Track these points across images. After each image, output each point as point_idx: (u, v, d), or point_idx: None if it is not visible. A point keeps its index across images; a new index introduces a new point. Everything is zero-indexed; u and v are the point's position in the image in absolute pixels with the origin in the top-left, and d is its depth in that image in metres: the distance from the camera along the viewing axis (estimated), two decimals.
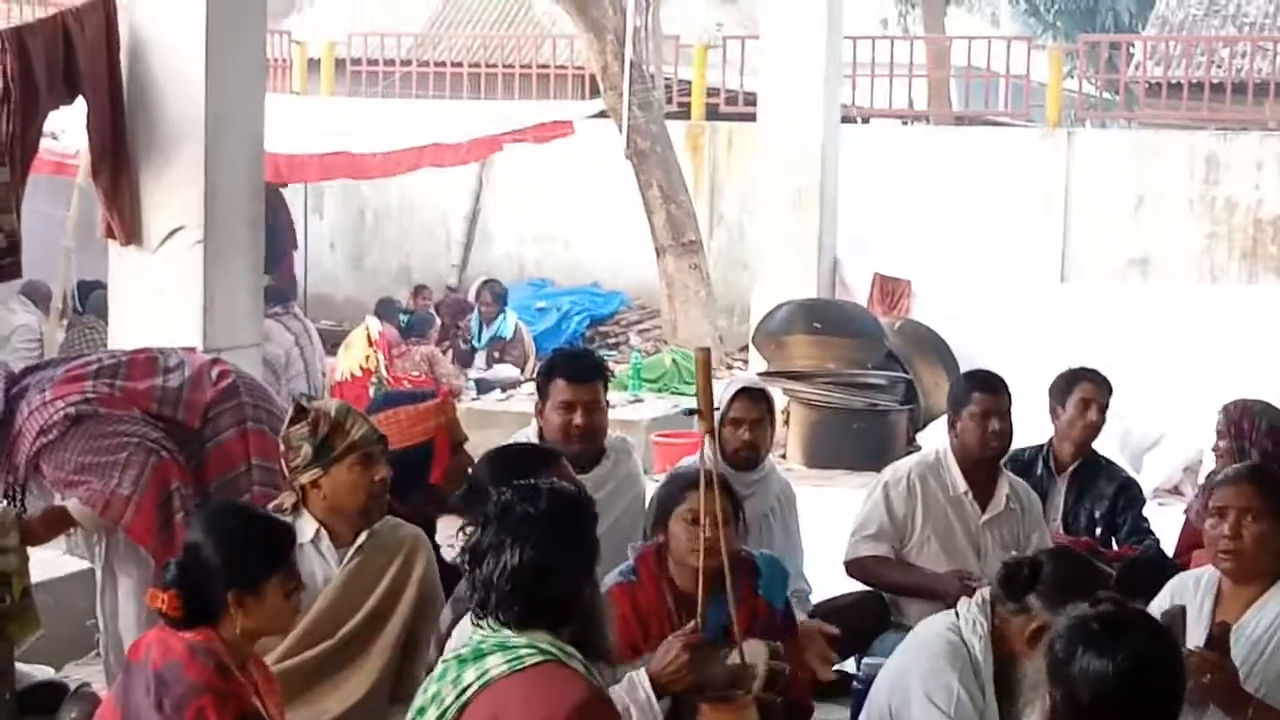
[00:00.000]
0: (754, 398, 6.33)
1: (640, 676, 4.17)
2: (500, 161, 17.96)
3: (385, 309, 15.47)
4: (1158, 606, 4.79)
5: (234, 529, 3.94)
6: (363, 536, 4.79)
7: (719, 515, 4.82)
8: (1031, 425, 7.03)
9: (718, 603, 4.92)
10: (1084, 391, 7.12)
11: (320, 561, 4.76)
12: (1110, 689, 2.98)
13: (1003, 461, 6.55)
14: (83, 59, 7.03)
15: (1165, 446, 11.88)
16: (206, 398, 5.74)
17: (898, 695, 4.46)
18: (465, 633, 3.84)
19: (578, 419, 5.87)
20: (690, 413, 4.78)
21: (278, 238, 15.86)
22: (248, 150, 7.51)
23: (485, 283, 16.34)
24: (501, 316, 15.86)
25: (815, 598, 6.41)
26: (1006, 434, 6.33)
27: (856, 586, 6.53)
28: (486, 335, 15.82)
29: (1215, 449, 6.88)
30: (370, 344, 14.10)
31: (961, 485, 6.32)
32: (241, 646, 3.82)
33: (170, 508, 5.42)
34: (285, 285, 15.70)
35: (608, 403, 6.13)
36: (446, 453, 5.29)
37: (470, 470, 5.10)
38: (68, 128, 10.98)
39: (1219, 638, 4.54)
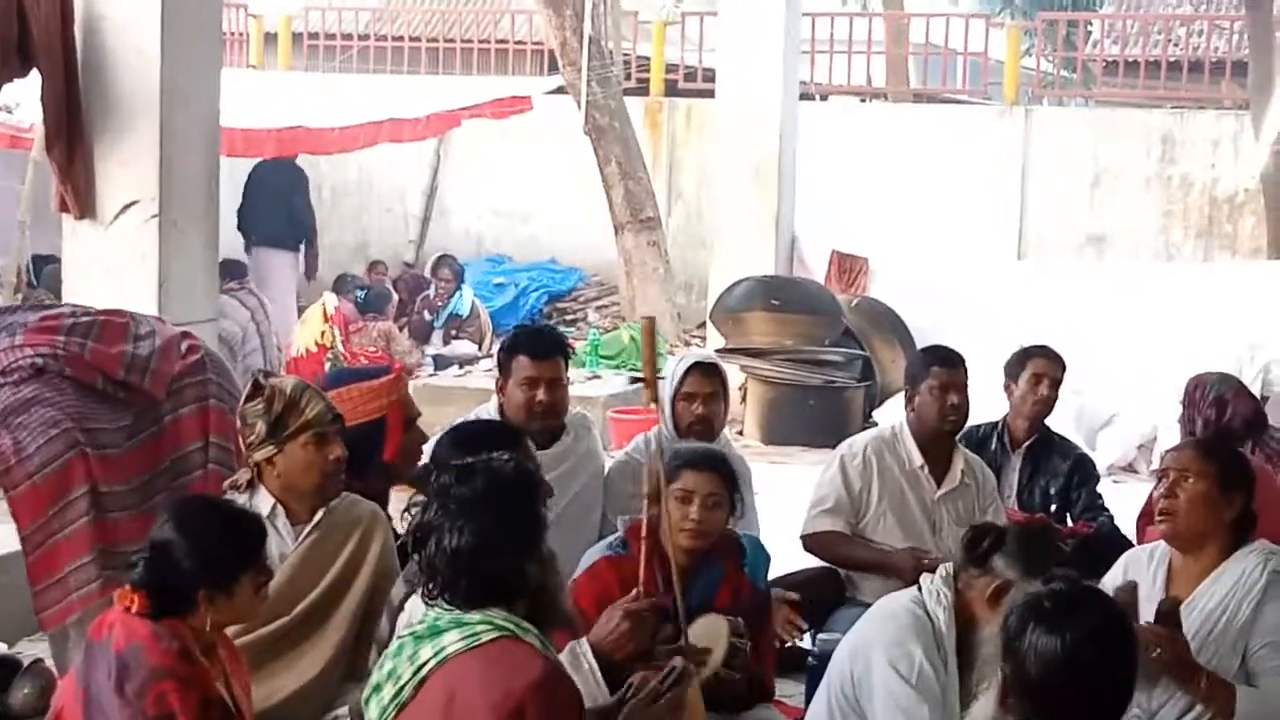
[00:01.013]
0: (706, 372, 6.34)
1: (582, 646, 4.16)
2: (458, 137, 17.90)
3: (342, 285, 15.43)
4: (1111, 581, 4.82)
5: (206, 528, 3.89)
6: (320, 514, 4.78)
7: (709, 496, 4.85)
8: (987, 402, 7.07)
9: (703, 578, 4.95)
10: (1036, 367, 7.19)
11: (276, 539, 4.75)
12: (1058, 666, 3.00)
13: (958, 438, 6.59)
14: (37, 32, 6.97)
15: (1120, 423, 11.95)
16: (174, 369, 5.71)
17: (860, 664, 4.47)
18: (419, 609, 3.83)
19: (541, 395, 5.87)
20: (635, 381, 4.77)
21: (306, 220, 15.86)
22: (203, 125, 7.47)
23: (441, 259, 16.31)
24: (458, 294, 15.83)
25: (771, 573, 6.42)
26: (963, 408, 6.36)
27: (812, 563, 6.56)
28: (444, 313, 15.80)
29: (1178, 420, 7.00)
30: (326, 319, 14.05)
31: (917, 460, 6.35)
32: (208, 635, 3.80)
33: (65, 513, 5.35)
34: (311, 266, 15.73)
35: (569, 379, 6.13)
36: (399, 430, 5.27)
37: (426, 445, 5.10)
38: (22, 101, 10.91)
39: (1169, 612, 4.57)
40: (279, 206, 15.48)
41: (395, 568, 4.74)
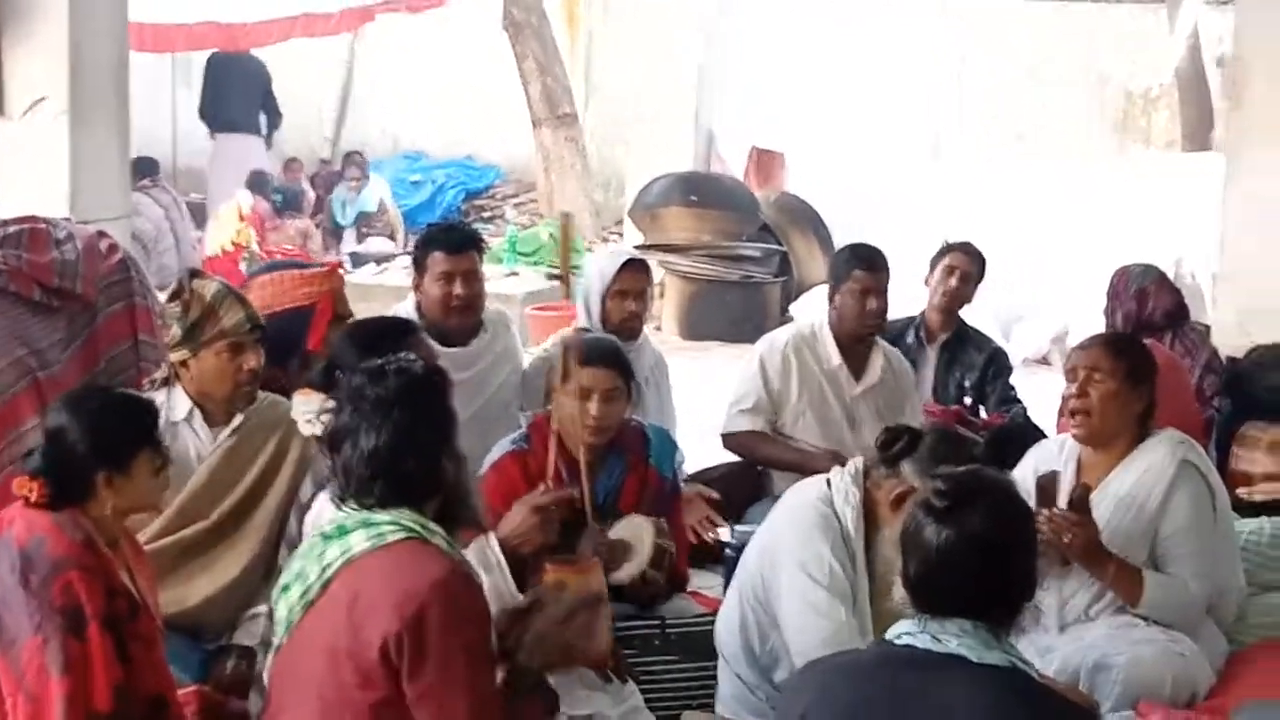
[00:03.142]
0: (637, 269, 6.34)
1: (490, 541, 4.18)
2: (373, 32, 17.70)
3: (257, 183, 15.29)
4: (1021, 473, 4.88)
5: (97, 410, 3.86)
6: (238, 418, 4.75)
7: (608, 391, 4.86)
8: (903, 299, 7.11)
9: (607, 471, 4.97)
10: (950, 260, 7.24)
11: (194, 439, 4.73)
12: (952, 556, 3.01)
13: None
14: None
15: (1034, 317, 12.07)
16: (99, 270, 5.64)
17: (769, 566, 4.49)
18: (327, 510, 3.83)
19: (458, 289, 5.85)
20: (553, 278, 4.75)
21: (274, 104, 15.83)
22: (112, 19, 7.34)
23: (348, 156, 16.23)
24: (365, 190, 15.75)
25: (689, 467, 6.46)
26: (883, 312, 6.37)
27: (730, 457, 6.60)
28: (352, 211, 15.71)
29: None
30: (241, 219, 13.93)
31: (836, 358, 6.36)
32: (111, 524, 3.78)
33: (14, 447, 5.29)
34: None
35: (485, 275, 6.12)
36: (326, 320, 5.24)
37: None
38: None
39: (1079, 499, 4.63)
40: (248, 92, 15.45)
41: (317, 468, 4.72)
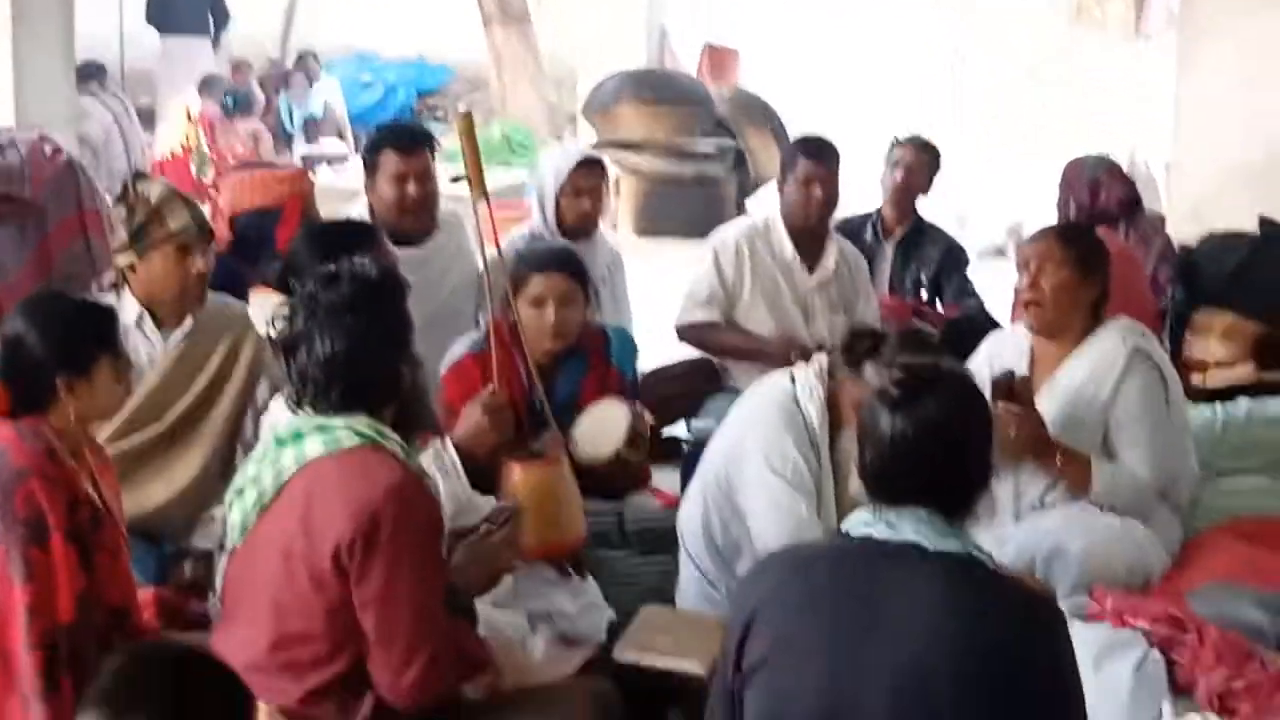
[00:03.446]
0: (592, 166, 6.30)
1: (445, 445, 4.19)
2: None
3: (207, 86, 15.13)
4: (976, 364, 4.90)
5: (55, 314, 3.83)
6: (189, 322, 4.73)
7: (563, 296, 4.85)
8: (859, 194, 7.11)
9: (567, 372, 4.98)
10: (899, 154, 7.25)
11: (144, 343, 4.70)
12: (907, 444, 3.01)
13: (834, 227, 6.62)
14: None
15: (988, 208, 12.09)
16: (45, 174, 5.59)
17: (733, 460, 4.50)
18: (283, 415, 3.83)
19: (411, 190, 5.80)
20: (457, 179, 4.73)
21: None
22: None
23: (300, 58, 16.10)
24: (311, 95, 15.65)
25: (646, 364, 6.47)
26: (829, 202, 6.34)
27: (687, 354, 6.61)
28: (299, 117, 15.61)
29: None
30: (190, 121, 13.80)
31: (789, 250, 6.36)
32: (74, 433, 3.76)
33: None
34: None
35: (437, 175, 6.07)
36: (295, 220, 5.20)
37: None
38: None
39: (1021, 390, 4.64)
40: None
41: (272, 371, 4.71)
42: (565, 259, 5.01)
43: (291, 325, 3.56)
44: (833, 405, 4.42)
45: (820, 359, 4.52)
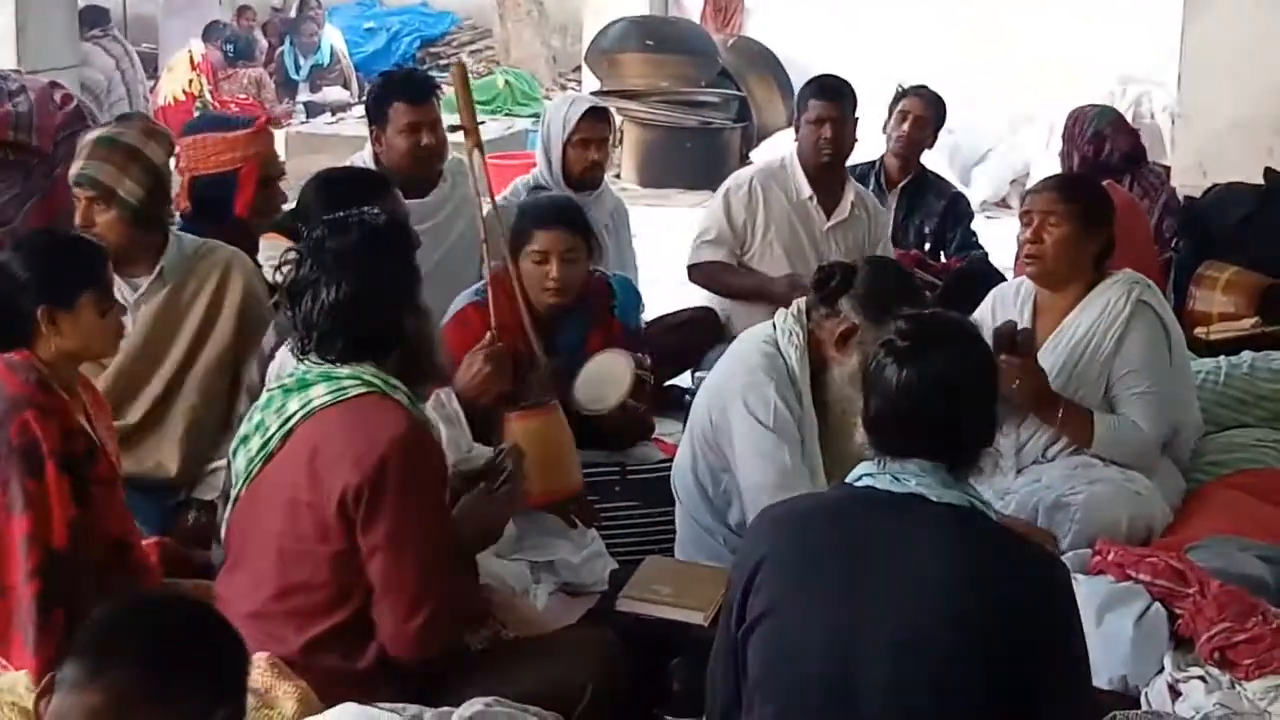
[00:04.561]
0: (599, 116, 6.27)
1: (447, 393, 4.19)
2: None
3: (210, 32, 15.07)
4: (980, 314, 4.89)
5: (42, 245, 3.83)
6: (158, 268, 4.66)
7: (565, 252, 4.83)
8: (865, 142, 7.08)
9: (572, 324, 4.97)
10: (905, 105, 7.24)
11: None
12: (913, 395, 2.99)
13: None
14: None
15: (993, 159, 12.04)
16: (55, 121, 5.57)
17: (717, 408, 4.49)
18: (289, 363, 3.82)
19: (425, 139, 5.77)
20: (455, 129, 4.70)
21: None
22: None
23: (303, 2, 16.02)
24: (317, 44, 15.58)
25: (650, 313, 6.47)
26: (840, 140, 6.33)
27: (690, 302, 6.61)
28: (305, 65, 15.54)
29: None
30: (194, 68, 13.76)
31: (806, 191, 6.35)
32: (62, 367, 3.73)
33: None
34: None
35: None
36: (252, 186, 5.11)
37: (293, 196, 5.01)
38: None
39: (1023, 342, 4.64)
40: None
41: (262, 314, 4.68)
42: (568, 214, 4.99)
43: (298, 271, 3.56)
44: (814, 348, 4.39)
45: (799, 302, 4.49)
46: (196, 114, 12.87)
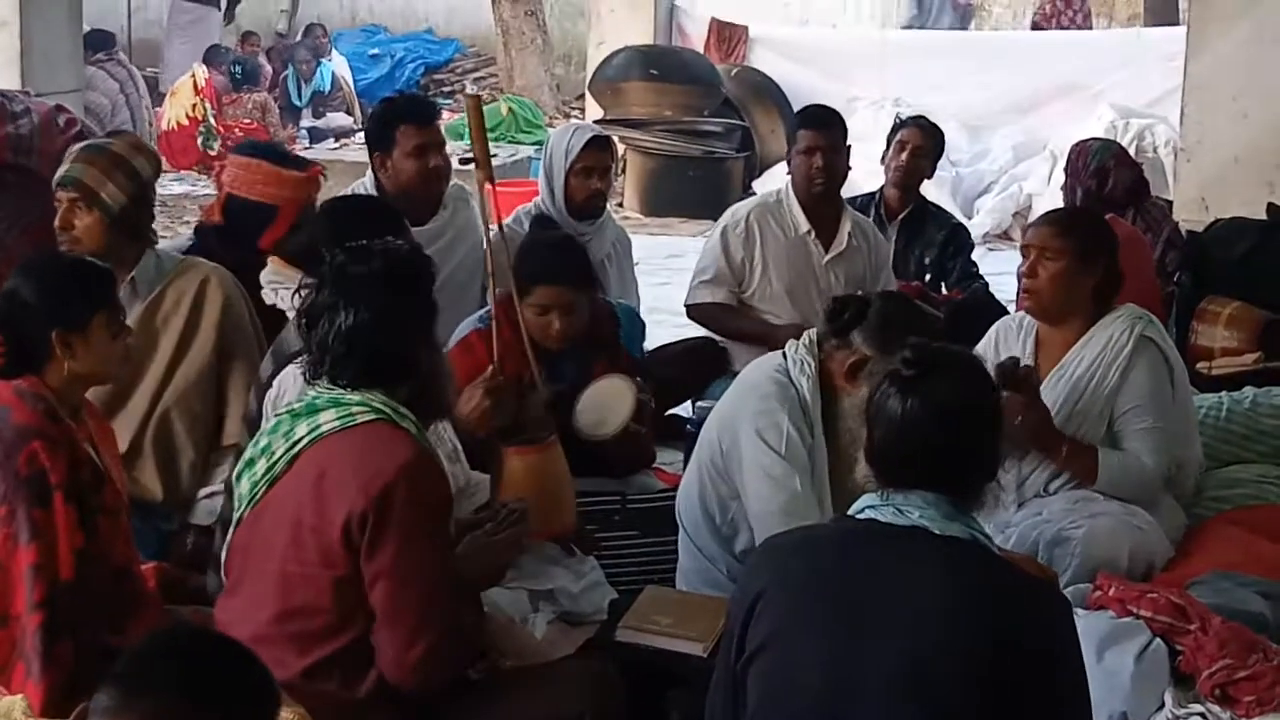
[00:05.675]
0: (602, 146, 6.27)
1: (444, 426, 4.18)
2: None
3: (214, 57, 15.11)
4: (983, 349, 4.88)
5: (52, 270, 3.83)
6: (129, 276, 4.65)
7: (566, 306, 4.82)
8: (865, 173, 7.09)
9: (577, 351, 4.96)
10: (904, 135, 7.21)
11: None
12: (917, 426, 3.00)
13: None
14: None
15: (995, 191, 12.05)
16: (57, 146, 5.56)
17: (727, 436, 4.48)
18: (294, 387, 3.81)
19: (434, 160, 5.77)
20: (466, 161, 4.69)
21: None
22: None
23: (308, 28, 16.07)
24: (319, 70, 15.62)
25: (651, 343, 6.46)
26: (833, 169, 6.29)
27: (692, 332, 6.60)
28: (306, 92, 15.58)
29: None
30: (197, 92, 13.78)
31: (803, 225, 6.31)
32: (71, 394, 3.74)
33: None
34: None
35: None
36: (286, 225, 5.11)
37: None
38: None
39: (1024, 379, 4.62)
40: None
41: (245, 331, 4.66)
42: (570, 269, 4.94)
43: (317, 295, 3.56)
44: (825, 379, 4.39)
45: (810, 333, 4.49)
46: (199, 138, 12.93)
